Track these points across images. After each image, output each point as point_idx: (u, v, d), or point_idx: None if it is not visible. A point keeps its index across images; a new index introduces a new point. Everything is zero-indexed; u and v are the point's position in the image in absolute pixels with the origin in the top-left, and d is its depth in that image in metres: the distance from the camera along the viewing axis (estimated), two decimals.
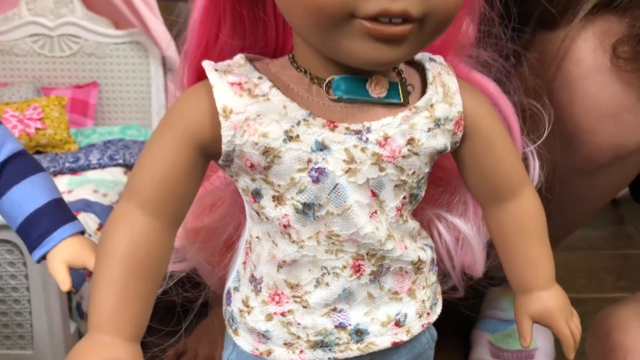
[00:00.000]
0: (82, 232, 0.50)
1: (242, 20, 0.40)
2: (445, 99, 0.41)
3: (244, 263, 0.44)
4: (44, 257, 0.48)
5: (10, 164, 0.49)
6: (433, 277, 0.46)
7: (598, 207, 0.91)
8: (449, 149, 0.42)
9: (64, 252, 0.48)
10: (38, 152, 1.23)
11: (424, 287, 0.45)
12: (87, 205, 0.99)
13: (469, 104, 0.42)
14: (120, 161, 1.19)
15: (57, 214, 0.49)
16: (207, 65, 0.39)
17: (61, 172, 1.17)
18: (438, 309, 0.47)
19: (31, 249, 0.48)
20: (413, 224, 0.43)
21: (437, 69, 0.41)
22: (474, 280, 0.52)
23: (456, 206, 0.48)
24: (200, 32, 0.40)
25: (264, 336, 0.42)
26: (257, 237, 0.42)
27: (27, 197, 0.49)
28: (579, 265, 1.32)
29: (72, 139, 1.27)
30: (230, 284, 0.45)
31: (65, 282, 0.46)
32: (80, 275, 0.78)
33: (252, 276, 0.43)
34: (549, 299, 0.46)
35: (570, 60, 0.62)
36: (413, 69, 0.42)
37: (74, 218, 0.50)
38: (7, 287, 0.73)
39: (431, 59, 0.42)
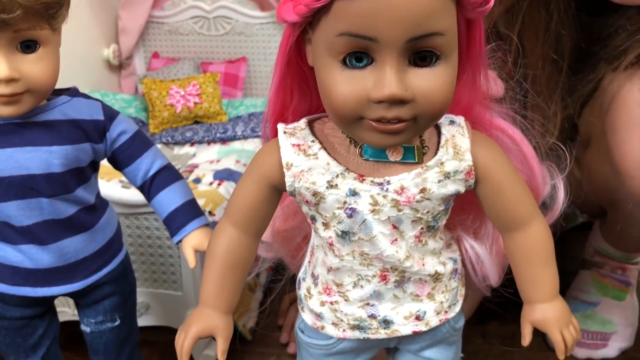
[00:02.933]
0: (207, 225, 0.70)
1: (306, 94, 0.55)
2: (455, 157, 0.52)
3: (309, 262, 0.61)
4: (180, 241, 0.69)
5: (159, 175, 0.69)
6: (454, 284, 0.59)
7: None
8: (463, 190, 0.54)
9: (192, 240, 0.68)
10: (196, 122, 1.49)
11: (443, 292, 0.58)
12: (229, 174, 1.21)
13: (480, 157, 0.53)
14: (260, 133, 1.40)
15: (190, 212, 0.69)
16: (280, 128, 0.54)
17: (213, 141, 1.41)
18: (457, 308, 0.60)
19: (172, 236, 0.69)
20: (434, 245, 0.56)
21: (452, 132, 0.53)
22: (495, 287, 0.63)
23: (477, 230, 0.60)
24: (275, 102, 0.55)
25: (319, 316, 0.59)
26: (317, 246, 0.58)
27: (170, 199, 0.69)
28: None
29: (223, 111, 1.50)
30: (300, 274, 0.62)
31: (192, 262, 0.67)
32: None
33: (313, 273, 0.60)
34: (548, 310, 0.57)
35: (617, 107, 0.69)
36: (435, 130, 0.54)
37: (201, 214, 0.70)
38: (163, 236, 0.96)
39: (451, 122, 0.54)
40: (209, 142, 1.42)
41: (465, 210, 0.60)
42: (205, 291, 0.57)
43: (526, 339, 0.58)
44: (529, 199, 0.56)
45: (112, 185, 0.84)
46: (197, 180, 1.20)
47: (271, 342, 1.06)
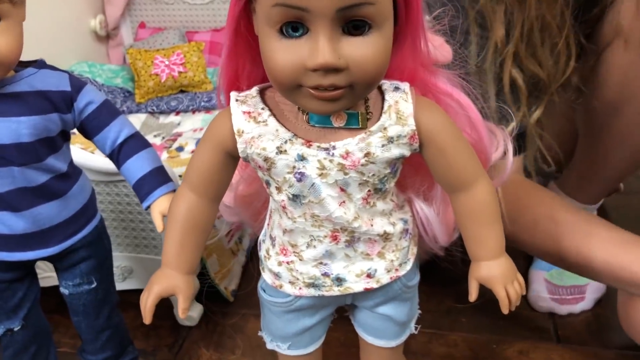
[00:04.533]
0: (174, 191, 0.72)
1: (257, 62, 0.57)
2: (398, 122, 0.55)
3: (268, 225, 0.63)
4: (148, 207, 0.72)
5: (127, 144, 0.72)
6: (405, 243, 0.62)
7: None
8: (408, 154, 0.56)
9: (160, 205, 0.71)
10: (182, 91, 1.51)
11: (393, 251, 0.61)
12: None
13: (424, 122, 0.55)
14: None
15: (157, 178, 0.72)
16: (232, 96, 0.57)
17: (198, 110, 1.44)
18: (408, 266, 0.63)
19: (141, 202, 0.72)
20: (383, 206, 0.59)
21: (396, 98, 0.55)
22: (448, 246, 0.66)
23: (426, 193, 0.63)
24: (227, 71, 0.57)
25: (277, 275, 0.62)
26: (274, 209, 0.61)
27: (137, 167, 0.72)
28: None
29: (208, 79, 1.52)
30: (260, 237, 0.65)
31: (159, 226, 0.70)
32: None
33: (271, 235, 0.63)
34: (493, 267, 0.60)
35: None
36: (380, 97, 0.56)
37: (169, 180, 0.73)
38: None
39: (396, 88, 0.56)
40: (193, 111, 1.44)
41: (414, 173, 0.63)
42: (167, 253, 0.60)
43: (472, 295, 0.61)
44: (473, 160, 0.58)
45: (87, 153, 0.87)
46: (180, 149, 1.22)
47: (253, 304, 1.08)
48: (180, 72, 1.48)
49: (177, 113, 1.44)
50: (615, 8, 0.87)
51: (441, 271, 0.89)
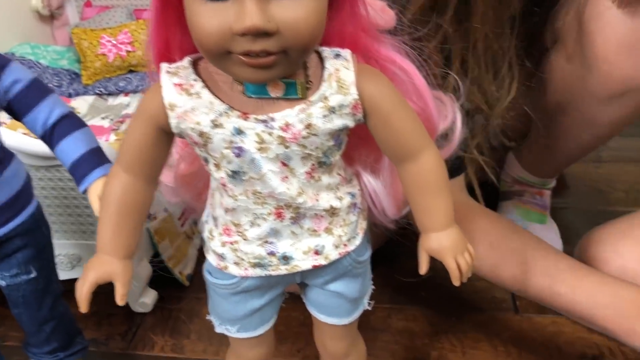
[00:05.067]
0: None
1: (188, 31, 0.53)
2: (340, 91, 0.52)
3: (211, 205, 0.61)
4: (85, 190, 0.68)
5: (60, 124, 0.68)
6: (353, 218, 0.60)
7: (608, 136, 0.96)
8: (352, 125, 0.54)
9: (97, 188, 0.67)
10: (131, 71, 1.45)
11: (341, 226, 0.59)
12: None
13: (367, 90, 0.53)
14: None
15: (94, 160, 0.68)
16: (162, 67, 0.53)
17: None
18: (357, 241, 0.61)
19: (77, 185, 0.68)
20: (329, 180, 0.57)
21: (337, 65, 0.52)
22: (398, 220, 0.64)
23: (374, 165, 0.61)
24: (157, 42, 0.54)
25: (221, 257, 0.60)
26: (215, 188, 0.58)
27: (72, 148, 0.68)
28: (624, 177, 1.35)
29: None
30: (203, 217, 0.62)
31: (96, 210, 0.66)
32: None
33: (213, 215, 0.60)
34: (443, 238, 0.59)
35: None
36: (321, 65, 0.53)
37: (106, 162, 0.69)
38: None
39: (337, 55, 0.53)
40: (143, 91, 1.39)
41: (360, 145, 0.60)
42: (102, 237, 0.57)
43: (423, 268, 0.59)
44: (419, 130, 0.56)
45: (23, 137, 0.82)
46: None
47: None
48: (128, 52, 1.42)
49: (126, 94, 1.39)
50: (556, 16, 0.87)
51: (400, 245, 0.88)
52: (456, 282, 0.59)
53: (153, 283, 1.03)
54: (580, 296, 0.73)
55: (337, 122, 0.53)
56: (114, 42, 1.43)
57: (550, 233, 1.09)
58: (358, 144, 0.60)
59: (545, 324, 0.95)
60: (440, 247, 0.59)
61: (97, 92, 1.39)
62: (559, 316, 0.95)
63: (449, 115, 0.62)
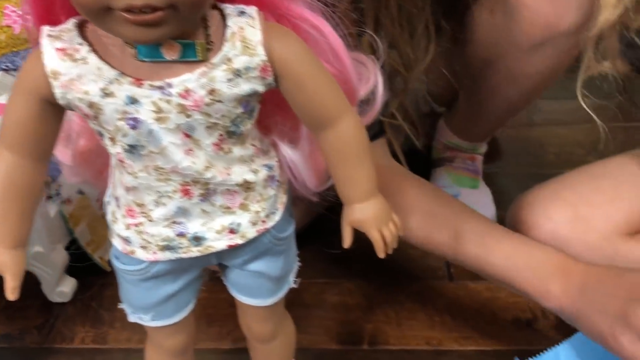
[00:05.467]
0: None
1: None
2: (245, 52, 0.47)
3: (112, 184, 0.55)
4: None
5: None
6: (271, 192, 0.55)
7: (534, 91, 0.95)
8: (262, 90, 0.49)
9: None
10: None
11: (258, 201, 0.55)
12: None
13: (276, 51, 0.48)
14: None
15: None
16: (43, 31, 0.47)
17: None
18: (276, 217, 0.56)
19: None
20: (242, 152, 0.52)
21: (241, 23, 0.47)
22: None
23: (291, 134, 0.56)
24: (36, 1, 0.47)
25: (127, 240, 0.54)
26: (114, 165, 0.53)
27: None
28: (555, 140, 1.36)
29: None
30: (105, 198, 0.57)
31: None
32: (56, 169, 0.92)
33: (115, 195, 0.54)
34: (366, 209, 0.55)
35: None
36: (223, 23, 0.48)
37: None
38: None
39: (241, 12, 0.48)
40: None
41: (274, 112, 0.56)
42: None
43: (346, 241, 0.56)
44: (336, 94, 0.52)
45: None
46: None
47: None
48: None
49: None
50: None
51: (333, 219, 0.85)
52: (381, 254, 0.56)
53: (72, 271, 0.96)
54: (499, 258, 0.71)
55: (245, 87, 0.48)
56: (20, 12, 1.32)
57: (483, 198, 1.09)
58: (273, 111, 0.55)
59: (480, 290, 0.95)
60: (363, 218, 0.55)
61: (4, 67, 1.28)
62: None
63: (371, 78, 0.58)
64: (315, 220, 1.00)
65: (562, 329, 0.87)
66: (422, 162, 1.19)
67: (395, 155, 0.87)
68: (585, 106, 0.79)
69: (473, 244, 0.73)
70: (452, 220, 0.76)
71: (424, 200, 0.77)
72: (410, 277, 0.98)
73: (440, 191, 0.81)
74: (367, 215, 0.55)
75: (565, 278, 0.66)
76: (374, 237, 0.55)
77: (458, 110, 1.07)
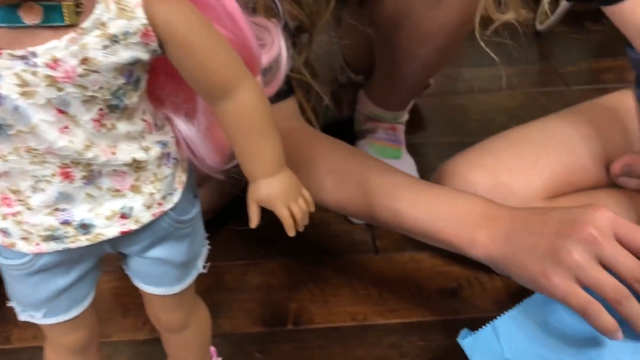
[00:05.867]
0: None
1: None
2: (121, 15, 0.42)
3: None
4: None
5: None
6: (167, 171, 0.51)
7: (445, 49, 0.94)
8: (146, 58, 0.44)
9: None
10: None
11: (152, 182, 0.50)
12: None
13: (159, 13, 0.43)
14: None
15: None
16: None
17: None
18: (175, 198, 0.52)
19: None
20: (130, 128, 0.47)
21: None
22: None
23: (186, 107, 0.51)
24: None
25: (4, 232, 0.48)
26: None
27: None
28: (478, 107, 1.36)
29: None
30: None
31: None
32: None
33: None
34: (273, 185, 0.51)
35: None
36: None
37: None
38: None
39: None
40: None
41: (165, 83, 0.51)
42: None
43: (253, 220, 0.52)
44: (232, 60, 0.48)
45: None
46: None
47: None
48: None
49: None
50: None
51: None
52: (291, 232, 0.52)
53: None
54: (420, 211, 0.67)
55: (124, 55, 0.43)
56: None
57: (406, 168, 1.07)
58: (163, 82, 0.50)
59: (405, 262, 0.93)
60: (270, 195, 0.51)
61: None
62: (417, 252, 0.94)
63: (274, 43, 0.54)
64: (236, 200, 0.95)
65: (487, 297, 0.87)
66: (347, 135, 1.17)
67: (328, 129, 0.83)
68: (484, 46, 0.77)
69: (393, 199, 0.69)
70: (369, 178, 0.72)
71: (338, 160, 0.73)
72: (335, 253, 0.96)
73: (354, 150, 0.76)
74: (274, 192, 0.51)
75: (491, 224, 0.63)
76: (282, 214, 0.51)
77: (376, 78, 1.05)
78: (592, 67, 1.48)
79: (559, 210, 0.59)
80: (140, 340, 0.82)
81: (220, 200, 0.95)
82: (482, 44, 0.77)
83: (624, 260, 0.53)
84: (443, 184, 0.88)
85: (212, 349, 0.71)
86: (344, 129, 1.20)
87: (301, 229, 0.53)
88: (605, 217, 0.54)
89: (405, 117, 1.12)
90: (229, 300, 0.87)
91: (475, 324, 0.83)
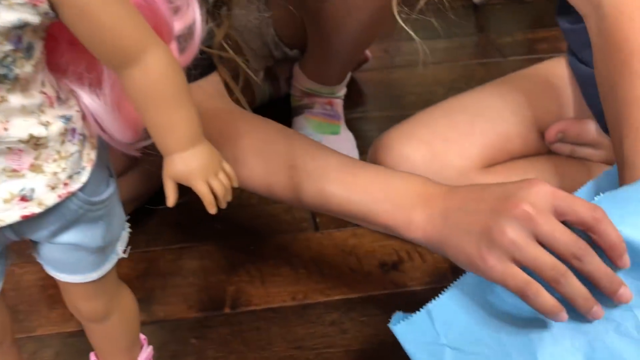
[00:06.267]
0: None
1: None
2: None
3: None
4: None
5: None
6: (73, 148, 0.47)
7: (372, 21, 0.92)
8: (36, 21, 0.40)
9: None
10: None
11: (55, 160, 0.46)
12: None
13: None
14: None
15: None
16: None
17: None
18: (83, 178, 0.48)
19: None
20: (24, 101, 0.42)
21: None
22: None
23: (87, 76, 0.47)
24: None
25: None
26: None
27: None
28: (415, 80, 1.35)
29: None
30: None
31: None
32: None
33: None
34: (190, 159, 0.48)
35: None
36: None
37: None
38: None
39: None
40: None
41: (65, 51, 0.46)
42: None
43: (170, 198, 0.49)
44: (135, 24, 0.44)
45: None
46: None
47: None
48: None
49: None
50: None
51: None
52: (212, 210, 0.49)
53: None
54: (355, 193, 0.63)
55: (8, 17, 0.38)
56: None
57: (345, 143, 1.05)
58: (62, 49, 0.46)
59: (345, 237, 0.91)
60: (186, 170, 0.48)
61: None
62: (358, 227, 0.92)
63: (190, 7, 0.50)
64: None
65: (428, 268, 0.87)
66: (285, 112, 1.14)
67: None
68: (400, 21, 0.75)
69: (325, 181, 0.66)
70: (300, 159, 0.68)
71: (266, 140, 0.69)
72: (274, 232, 0.93)
73: (285, 129, 0.72)
74: (190, 166, 0.48)
75: (428, 205, 0.60)
76: (201, 190, 0.48)
77: (309, 52, 1.02)
78: (528, 37, 1.49)
79: (495, 187, 0.55)
80: (68, 332, 0.78)
81: (152, 183, 0.90)
82: (396, 14, 0.74)
83: (560, 236, 0.49)
84: (379, 158, 0.86)
85: (143, 337, 0.67)
86: (283, 106, 1.18)
87: (223, 205, 0.50)
88: (542, 191, 0.50)
89: (342, 91, 1.10)
90: (163, 286, 0.84)
91: (416, 297, 0.83)
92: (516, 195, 0.51)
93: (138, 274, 0.85)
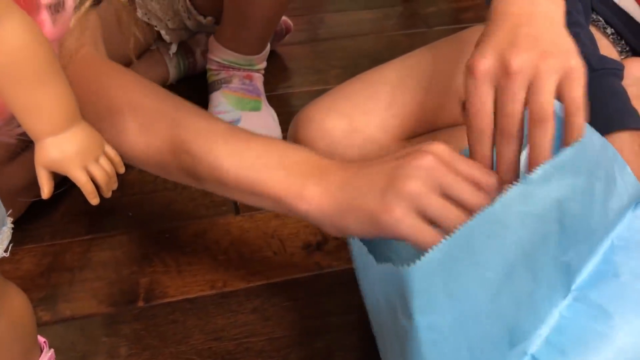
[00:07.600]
0: None
1: None
2: None
3: None
4: None
5: None
6: None
7: None
8: None
9: None
10: None
11: None
12: None
13: None
14: None
15: None
16: None
17: None
18: None
19: None
20: None
21: None
22: None
23: None
24: None
25: None
26: None
27: None
28: (340, 54, 1.31)
29: None
30: None
31: None
32: None
33: None
34: (65, 144, 0.42)
35: None
36: None
37: None
38: None
39: None
40: None
41: None
42: None
43: (45, 189, 0.43)
44: None
45: None
46: None
47: None
48: None
49: None
50: None
51: None
52: (93, 200, 0.44)
53: None
54: (247, 158, 0.57)
55: None
56: None
57: (267, 120, 1.00)
58: None
59: (268, 219, 0.87)
60: (61, 156, 0.42)
61: None
62: None
63: None
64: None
65: None
66: (202, 90, 1.08)
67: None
68: None
69: (213, 145, 0.59)
70: (184, 120, 0.60)
71: (146, 98, 0.61)
72: (192, 217, 0.88)
73: (168, 92, 0.64)
74: (65, 152, 0.42)
75: (324, 175, 0.55)
76: (79, 179, 0.43)
77: (224, 19, 0.96)
78: (452, 7, 1.47)
79: (397, 152, 0.53)
80: None
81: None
82: None
83: (465, 184, 0.48)
84: (299, 133, 0.82)
85: (42, 340, 0.61)
86: (198, 83, 1.11)
87: (107, 195, 0.45)
88: (442, 147, 0.50)
89: (262, 64, 1.04)
90: (70, 282, 0.77)
91: (340, 277, 0.80)
92: (420, 149, 0.50)
93: (42, 270, 0.79)
